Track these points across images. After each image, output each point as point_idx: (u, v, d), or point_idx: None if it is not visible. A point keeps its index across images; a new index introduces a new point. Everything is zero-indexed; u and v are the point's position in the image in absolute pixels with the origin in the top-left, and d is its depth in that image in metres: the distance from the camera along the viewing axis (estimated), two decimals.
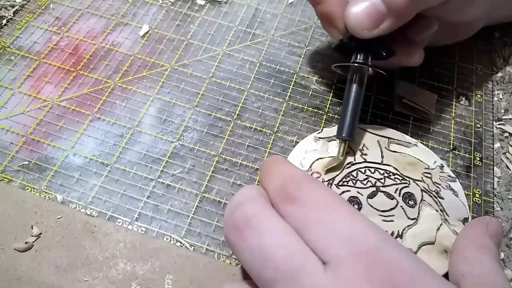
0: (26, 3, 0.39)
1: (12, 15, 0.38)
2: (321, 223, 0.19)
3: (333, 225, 0.19)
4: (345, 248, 0.18)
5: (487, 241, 0.22)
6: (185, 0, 0.41)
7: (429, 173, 0.28)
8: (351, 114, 0.28)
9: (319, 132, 0.29)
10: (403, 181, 0.27)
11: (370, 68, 0.29)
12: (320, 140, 0.29)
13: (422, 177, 0.28)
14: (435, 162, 0.29)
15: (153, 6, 0.40)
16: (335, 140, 0.29)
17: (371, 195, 0.26)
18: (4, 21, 0.38)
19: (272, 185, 0.22)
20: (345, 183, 0.27)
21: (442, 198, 0.27)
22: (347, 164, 0.28)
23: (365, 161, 0.28)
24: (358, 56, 0.29)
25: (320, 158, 0.28)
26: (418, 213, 0.26)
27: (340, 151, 0.28)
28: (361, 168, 0.28)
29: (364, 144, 0.29)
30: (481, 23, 0.36)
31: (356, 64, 0.29)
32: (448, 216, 0.26)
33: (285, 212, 0.20)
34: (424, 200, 0.26)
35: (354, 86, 0.29)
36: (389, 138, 0.30)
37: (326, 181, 0.27)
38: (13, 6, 0.39)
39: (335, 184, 0.26)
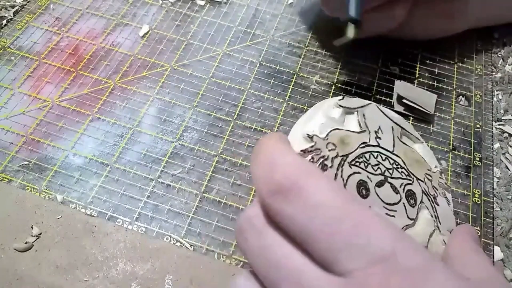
0: (26, 4, 0.39)
1: (12, 16, 0.38)
2: (328, 233, 0.16)
3: (344, 235, 0.16)
4: (358, 260, 0.16)
5: (477, 246, 0.22)
6: (185, 1, 0.41)
7: (431, 176, 0.28)
8: None
9: (341, 99, 0.28)
10: (408, 177, 0.26)
11: None
12: (340, 109, 0.28)
13: (424, 178, 0.27)
14: (436, 166, 0.29)
15: (153, 7, 0.40)
16: (353, 113, 0.28)
17: (379, 184, 0.25)
18: (4, 21, 0.38)
19: (261, 175, 0.18)
20: (357, 164, 0.25)
21: (438, 205, 0.26)
22: (362, 144, 0.27)
23: (378, 145, 0.27)
24: None
25: (337, 129, 0.27)
26: (417, 215, 0.25)
27: (351, 31, 0.29)
28: (374, 151, 0.27)
29: (380, 127, 0.28)
30: (470, 17, 0.35)
31: None
32: (440, 224, 0.25)
33: (277, 211, 0.17)
34: (423, 202, 0.26)
35: None
36: (401, 127, 0.29)
37: (340, 156, 0.25)
38: (13, 7, 0.39)
39: (348, 162, 0.25)
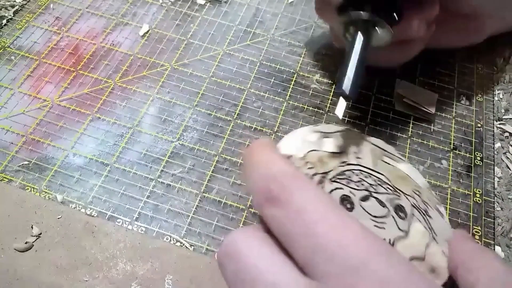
0: (26, 3, 0.39)
1: (12, 15, 0.38)
2: (306, 236, 0.17)
3: (320, 238, 0.17)
4: (331, 265, 0.16)
5: (479, 245, 0.22)
6: (185, 0, 0.41)
7: (419, 191, 0.28)
8: (356, 69, 0.26)
9: (316, 125, 0.29)
10: (395, 193, 0.26)
11: (377, 28, 0.27)
12: (317, 133, 0.28)
13: (412, 193, 0.27)
14: (424, 183, 0.29)
15: (153, 6, 0.40)
16: (329, 137, 0.28)
17: (364, 198, 0.25)
18: (4, 21, 0.38)
19: (254, 182, 0.19)
20: (338, 180, 0.26)
21: (431, 217, 0.26)
22: (342, 162, 0.27)
23: (359, 165, 0.27)
24: (367, 9, 0.27)
25: (315, 150, 0.27)
26: (409, 227, 0.25)
27: (341, 110, 0.26)
28: (355, 169, 0.27)
29: (358, 149, 0.28)
30: (492, 24, 0.35)
31: (365, 17, 0.27)
32: (436, 235, 0.25)
33: (268, 216, 0.18)
34: (413, 215, 0.26)
35: (358, 41, 0.27)
36: (382, 149, 0.29)
37: (320, 174, 0.26)
38: (13, 6, 0.39)
39: (329, 179, 0.25)
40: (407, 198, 0.26)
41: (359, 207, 0.24)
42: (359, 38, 0.27)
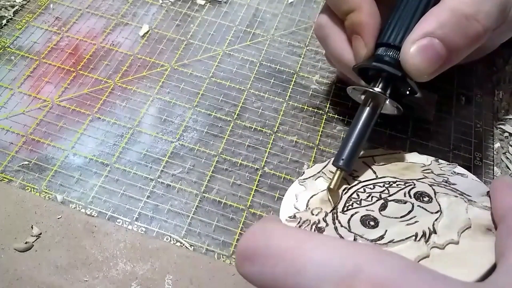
0: (26, 3, 0.39)
1: (12, 15, 0.38)
2: (291, 275, 0.17)
3: (305, 270, 0.17)
4: (325, 285, 0.17)
5: None
6: (185, 0, 0.41)
7: (429, 169, 0.27)
8: (354, 142, 0.26)
9: (302, 175, 0.28)
10: (407, 185, 0.26)
11: (387, 101, 0.27)
12: (306, 181, 0.28)
13: (423, 175, 0.27)
14: (427, 159, 0.28)
15: (153, 6, 0.40)
16: (321, 176, 0.28)
17: (382, 208, 0.24)
18: (4, 21, 0.38)
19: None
20: (350, 207, 0.25)
21: (454, 184, 0.25)
22: (343, 189, 0.26)
23: (360, 182, 0.26)
24: (379, 84, 0.27)
25: (314, 195, 0.27)
26: (439, 205, 0.23)
27: (334, 181, 0.25)
28: (359, 189, 0.26)
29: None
30: (504, 37, 0.35)
31: (375, 91, 0.26)
32: (470, 196, 0.24)
33: (249, 276, 0.19)
34: (437, 193, 0.24)
35: (366, 113, 0.27)
36: (372, 156, 0.29)
37: (330, 213, 0.25)
38: (13, 6, 0.39)
39: (340, 212, 0.24)
40: (421, 182, 0.25)
41: (383, 217, 0.23)
42: (367, 111, 0.27)
